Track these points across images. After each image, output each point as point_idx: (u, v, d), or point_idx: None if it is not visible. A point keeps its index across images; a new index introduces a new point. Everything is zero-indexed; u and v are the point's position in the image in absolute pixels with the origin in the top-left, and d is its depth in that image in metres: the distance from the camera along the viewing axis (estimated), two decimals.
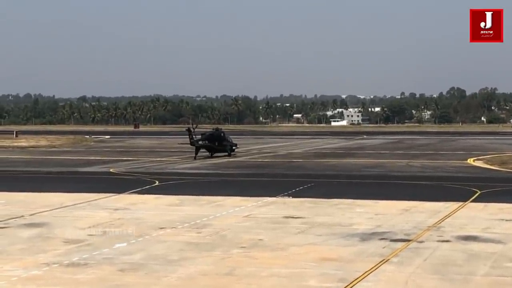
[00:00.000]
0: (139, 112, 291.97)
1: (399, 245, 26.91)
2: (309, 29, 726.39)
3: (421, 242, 27.53)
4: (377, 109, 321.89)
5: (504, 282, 21.80)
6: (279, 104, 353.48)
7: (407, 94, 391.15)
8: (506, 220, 32.63)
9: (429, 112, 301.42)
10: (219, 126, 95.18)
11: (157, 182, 50.02)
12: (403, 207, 36.71)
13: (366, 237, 28.51)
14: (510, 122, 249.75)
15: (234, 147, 79.94)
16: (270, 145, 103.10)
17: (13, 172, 58.97)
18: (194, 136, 76.93)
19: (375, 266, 23.50)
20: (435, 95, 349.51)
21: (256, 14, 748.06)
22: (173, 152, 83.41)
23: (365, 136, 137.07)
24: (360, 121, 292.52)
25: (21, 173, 58.23)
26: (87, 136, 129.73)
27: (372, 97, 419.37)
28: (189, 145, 77.08)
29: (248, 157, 77.36)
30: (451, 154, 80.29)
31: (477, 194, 41.83)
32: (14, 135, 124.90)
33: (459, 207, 36.71)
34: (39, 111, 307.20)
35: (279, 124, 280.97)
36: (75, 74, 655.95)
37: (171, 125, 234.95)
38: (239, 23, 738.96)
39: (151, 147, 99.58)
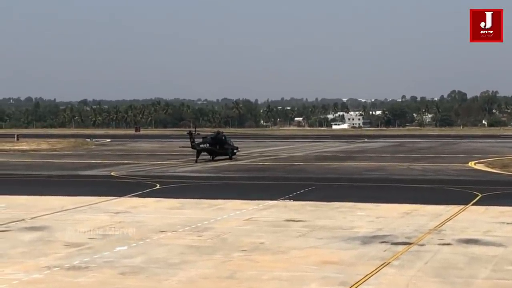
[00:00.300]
0: (140, 116, 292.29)
1: (400, 248, 26.89)
2: (310, 32, 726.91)
3: (422, 245, 27.51)
4: (378, 112, 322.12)
5: (505, 285, 21.77)
6: (280, 107, 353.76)
7: (408, 97, 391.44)
8: (507, 223, 32.59)
9: (430, 115, 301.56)
10: (220, 130, 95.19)
11: (158, 185, 50.02)
12: (404, 210, 36.70)
13: (367, 240, 28.49)
14: (511, 125, 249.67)
15: (235, 151, 79.94)
16: (271, 148, 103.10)
17: (14, 176, 58.97)
18: (195, 140, 76.94)
19: (376, 269, 23.49)
20: (436, 98, 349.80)
21: (257, 18, 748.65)
22: (174, 156, 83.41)
23: (366, 140, 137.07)
24: (361, 125, 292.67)
25: (22, 177, 58.24)
26: (88, 140, 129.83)
27: (373, 100, 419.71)
28: (190, 149, 77.09)
29: (249, 160, 77.36)
30: (452, 157, 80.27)
31: (478, 197, 41.81)
32: (15, 138, 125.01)
33: (460, 210, 36.69)
34: (40, 115, 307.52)
35: (280, 128, 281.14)
36: (76, 78, 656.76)
37: (172, 129, 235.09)
38: (240, 26, 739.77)
39: (152, 150, 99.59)
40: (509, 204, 38.35)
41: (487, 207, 37.76)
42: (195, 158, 74.62)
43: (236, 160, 76.24)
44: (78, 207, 38.44)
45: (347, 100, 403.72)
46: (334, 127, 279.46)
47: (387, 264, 24.20)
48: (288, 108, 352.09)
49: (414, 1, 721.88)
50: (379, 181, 53.58)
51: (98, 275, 22.93)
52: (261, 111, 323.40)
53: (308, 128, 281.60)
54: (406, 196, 43.14)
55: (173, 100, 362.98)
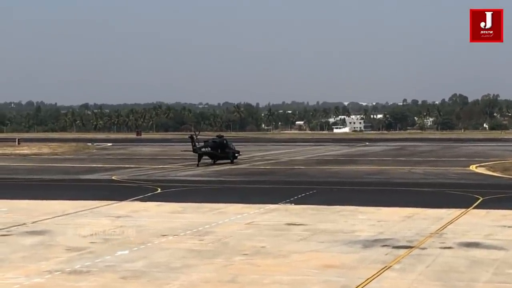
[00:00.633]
0: (141, 120, 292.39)
1: (402, 251, 26.89)
2: (312, 36, 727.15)
3: (424, 248, 27.50)
4: (379, 116, 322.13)
5: None
6: (281, 111, 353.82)
7: (409, 101, 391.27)
8: (508, 227, 32.59)
9: (431, 119, 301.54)
10: (222, 133, 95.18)
11: (159, 189, 50.03)
12: (406, 214, 36.69)
13: (368, 244, 28.49)
14: None
15: (236, 154, 79.95)
16: (272, 152, 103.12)
17: (16, 180, 59.00)
18: (196, 143, 76.96)
19: (377, 273, 23.49)
20: (437, 102, 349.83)
21: (258, 22, 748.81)
22: (176, 160, 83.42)
23: (367, 143, 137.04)
24: (362, 128, 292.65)
25: (23, 181, 58.27)
26: (89, 144, 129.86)
27: (374, 104, 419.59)
28: (192, 152, 77.10)
29: (251, 164, 77.37)
30: (454, 160, 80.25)
31: (479, 201, 41.79)
32: (17, 142, 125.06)
33: (461, 213, 36.68)
34: (41, 119, 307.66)
35: (281, 131, 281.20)
36: (77, 82, 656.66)
37: (173, 133, 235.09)
38: (241, 30, 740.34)
39: (153, 154, 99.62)
40: (510, 208, 38.33)
41: (488, 210, 37.76)
42: (197, 162, 74.63)
43: (238, 164, 76.24)
44: (79, 211, 38.46)
45: (348, 104, 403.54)
46: (335, 130, 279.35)
47: (388, 268, 24.20)
48: (289, 111, 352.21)
49: (415, 5, 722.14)
50: (380, 184, 53.57)
51: (100, 279, 22.94)
52: (262, 114, 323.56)
53: (309, 131, 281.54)
54: (408, 199, 43.12)
55: (174, 104, 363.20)
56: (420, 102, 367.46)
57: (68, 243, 28.96)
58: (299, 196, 44.87)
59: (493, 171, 64.69)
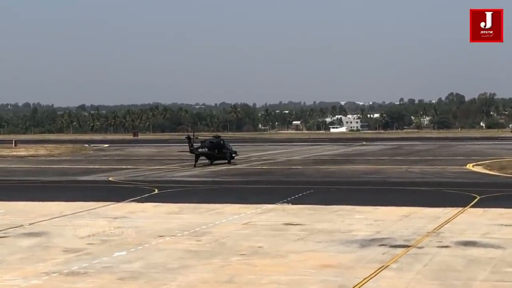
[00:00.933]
0: (138, 120, 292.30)
1: (399, 251, 26.91)
2: (308, 36, 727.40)
3: (421, 248, 27.52)
4: (376, 115, 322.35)
5: (504, 287, 21.80)
6: (278, 111, 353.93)
7: (406, 100, 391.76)
8: (506, 225, 32.62)
9: (428, 118, 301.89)
10: (219, 134, 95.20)
11: (156, 190, 50.02)
12: (403, 213, 36.72)
13: (365, 243, 28.51)
14: (509, 127, 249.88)
15: (233, 155, 79.96)
16: (269, 152, 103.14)
17: (12, 182, 58.96)
18: (193, 144, 76.97)
19: (374, 272, 23.50)
20: (434, 101, 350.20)
21: (254, 21, 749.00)
22: (173, 160, 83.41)
23: (364, 143, 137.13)
24: (359, 128, 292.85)
25: (20, 182, 58.23)
26: (86, 145, 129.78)
27: (371, 103, 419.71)
28: (189, 153, 77.11)
29: (248, 164, 77.39)
30: (450, 159, 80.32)
31: (476, 200, 41.84)
32: (13, 144, 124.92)
33: (458, 212, 36.72)
34: (38, 120, 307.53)
35: (278, 131, 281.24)
36: (73, 83, 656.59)
37: (170, 133, 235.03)
38: (238, 30, 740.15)
39: (150, 155, 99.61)
40: (507, 206, 38.39)
41: (485, 209, 37.79)
42: (194, 163, 74.64)
43: (235, 164, 76.26)
44: (76, 213, 38.44)
45: (345, 104, 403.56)
46: (332, 130, 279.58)
47: (385, 267, 24.21)
48: (286, 111, 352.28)
49: (413, 3, 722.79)
50: (377, 184, 53.60)
51: (97, 281, 22.93)
52: (259, 115, 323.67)
53: (306, 131, 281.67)
54: (405, 198, 43.15)
55: (171, 104, 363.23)
56: (416, 101, 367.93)
57: (66, 245, 28.94)
58: (296, 196, 44.88)
59: (490, 170, 64.77)
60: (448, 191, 47.19)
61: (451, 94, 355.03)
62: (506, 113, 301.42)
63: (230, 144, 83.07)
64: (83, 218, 36.80)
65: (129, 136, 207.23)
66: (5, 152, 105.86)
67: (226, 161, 77.71)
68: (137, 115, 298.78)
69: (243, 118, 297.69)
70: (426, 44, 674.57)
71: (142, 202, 43.52)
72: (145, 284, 22.48)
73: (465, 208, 38.40)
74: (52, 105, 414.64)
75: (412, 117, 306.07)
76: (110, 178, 60.93)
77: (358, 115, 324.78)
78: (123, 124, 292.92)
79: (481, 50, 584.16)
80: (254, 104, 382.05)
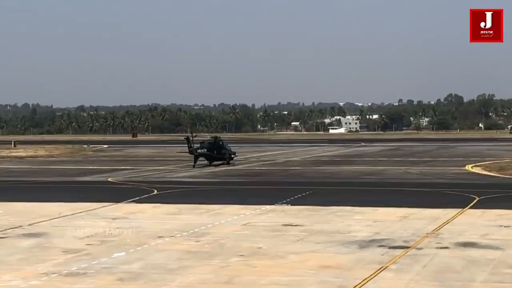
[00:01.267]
0: (137, 121, 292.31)
1: (398, 252, 26.93)
2: (307, 37, 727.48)
3: (420, 249, 27.54)
4: (375, 116, 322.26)
5: None
6: (277, 112, 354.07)
7: (405, 101, 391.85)
8: (505, 226, 32.65)
9: (427, 119, 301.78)
10: (218, 135, 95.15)
11: (155, 191, 50.01)
12: (402, 214, 36.73)
13: (365, 244, 28.52)
14: (508, 128, 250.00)
15: (232, 155, 79.94)
16: (268, 153, 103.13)
17: (12, 182, 58.93)
18: (192, 145, 76.97)
19: (374, 273, 23.51)
20: (432, 102, 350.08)
21: (254, 23, 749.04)
22: (172, 161, 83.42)
23: (363, 144, 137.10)
24: (358, 129, 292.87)
25: (19, 183, 58.21)
26: (85, 146, 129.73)
27: (370, 104, 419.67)
28: (188, 154, 77.11)
29: (247, 165, 77.39)
30: (449, 160, 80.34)
31: (475, 201, 41.85)
32: (12, 145, 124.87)
33: (457, 213, 36.73)
34: (37, 121, 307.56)
35: (277, 132, 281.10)
36: (72, 84, 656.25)
37: (169, 134, 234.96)
38: (237, 32, 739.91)
39: (150, 156, 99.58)
40: (506, 207, 38.40)
41: (484, 210, 37.81)
42: (193, 164, 74.65)
43: (234, 165, 76.26)
44: (75, 213, 38.44)
45: (344, 104, 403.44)
46: (331, 131, 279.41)
47: (385, 268, 24.23)
48: (285, 112, 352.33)
49: (412, 4, 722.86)
50: (376, 185, 53.61)
51: (96, 281, 22.94)
52: (258, 116, 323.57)
53: (305, 132, 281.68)
54: (404, 200, 43.16)
55: (170, 105, 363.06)
56: (415, 102, 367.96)
57: (65, 245, 28.95)
58: (296, 197, 44.89)
59: (489, 171, 64.78)
60: (447, 192, 47.20)
61: (450, 95, 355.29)
62: (505, 114, 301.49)
63: (229, 145, 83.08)
64: (83, 218, 36.81)
65: (128, 137, 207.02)
66: (4, 152, 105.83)
67: (225, 162, 77.72)
68: (136, 116, 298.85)
69: (242, 119, 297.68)
70: (425, 45, 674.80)
71: (142, 202, 43.53)
72: (145, 285, 22.49)
73: (464, 209, 38.42)
74: (51, 106, 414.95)
75: (411, 118, 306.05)
76: (109, 179, 60.92)
77: (357, 116, 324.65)
78: (122, 125, 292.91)
79: (480, 52, 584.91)
80: (253, 105, 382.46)
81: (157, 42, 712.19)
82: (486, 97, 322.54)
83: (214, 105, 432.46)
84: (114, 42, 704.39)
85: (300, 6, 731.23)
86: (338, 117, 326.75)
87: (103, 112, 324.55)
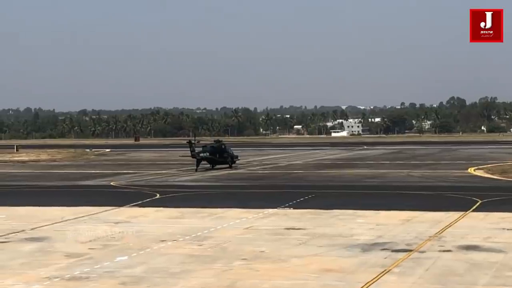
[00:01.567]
0: (139, 125, 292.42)
1: (401, 255, 26.91)
2: (309, 40, 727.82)
3: (423, 252, 27.52)
4: (377, 119, 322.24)
5: None
6: (279, 115, 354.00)
7: (407, 104, 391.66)
8: (507, 229, 32.62)
9: (429, 122, 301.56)
10: (220, 138, 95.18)
11: (158, 195, 50.02)
12: (404, 217, 36.71)
13: (367, 247, 28.51)
14: (510, 131, 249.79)
15: (235, 159, 79.97)
16: (271, 156, 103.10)
17: (14, 187, 58.98)
18: (195, 149, 77.00)
19: (376, 276, 23.50)
20: (435, 105, 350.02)
21: (255, 26, 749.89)
22: (174, 165, 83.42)
23: (365, 147, 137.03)
24: (360, 132, 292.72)
25: (21, 187, 58.24)
26: (88, 150, 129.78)
27: (372, 107, 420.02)
28: (190, 158, 77.14)
29: (249, 169, 77.39)
30: (452, 163, 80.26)
31: (478, 204, 41.81)
32: (15, 149, 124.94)
33: (460, 216, 36.70)
34: (39, 125, 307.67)
35: (279, 136, 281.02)
36: (75, 88, 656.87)
37: (171, 138, 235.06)
38: (238, 35, 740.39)
39: (152, 160, 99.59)
40: (509, 210, 38.36)
41: (487, 213, 37.77)
42: (195, 167, 74.66)
43: (236, 169, 76.26)
44: (78, 217, 38.45)
45: (346, 108, 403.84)
46: (333, 134, 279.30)
47: (387, 272, 24.21)
48: (287, 116, 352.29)
49: (413, 8, 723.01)
50: (378, 188, 53.59)
51: (99, 286, 22.94)
52: (260, 119, 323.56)
53: (308, 136, 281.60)
54: (406, 203, 43.15)
55: (172, 109, 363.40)
56: (418, 105, 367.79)
57: (67, 249, 28.96)
58: (298, 200, 44.87)
59: (491, 174, 64.71)
60: (449, 195, 47.16)
61: (452, 98, 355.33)
62: (507, 117, 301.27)
63: (231, 148, 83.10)
64: (85, 223, 36.81)
65: (131, 141, 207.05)
66: (7, 157, 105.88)
67: (227, 165, 77.74)
68: (139, 120, 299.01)
69: (244, 122, 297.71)
70: (427, 48, 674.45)
71: (144, 206, 43.54)
72: None
73: (467, 212, 38.39)
74: (54, 110, 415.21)
75: (413, 121, 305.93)
76: (112, 183, 60.94)
77: (359, 119, 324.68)
78: (125, 129, 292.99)
79: (482, 55, 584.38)
80: (255, 109, 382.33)
81: (159, 46, 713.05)
82: (489, 100, 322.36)
83: (216, 108, 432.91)
84: (116, 46, 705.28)
85: (302, 10, 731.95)
86: (340, 120, 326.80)
87: (106, 116, 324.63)
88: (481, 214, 37.46)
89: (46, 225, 35.73)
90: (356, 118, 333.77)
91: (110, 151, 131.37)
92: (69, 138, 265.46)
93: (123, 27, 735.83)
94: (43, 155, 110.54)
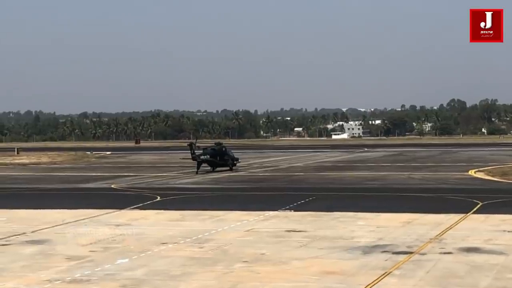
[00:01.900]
0: (140, 128, 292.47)
1: (402, 257, 26.90)
2: (309, 42, 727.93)
3: (423, 254, 27.52)
4: (378, 121, 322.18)
5: None
6: (279, 118, 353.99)
7: (407, 106, 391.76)
8: (508, 232, 32.61)
9: (429, 124, 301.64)
10: (220, 141, 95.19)
11: (158, 197, 50.02)
12: (405, 219, 36.70)
13: (368, 250, 28.50)
14: (511, 133, 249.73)
15: (235, 162, 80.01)
16: (271, 159, 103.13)
17: (15, 189, 58.98)
18: (195, 151, 77.01)
19: (377, 279, 23.49)
20: (435, 107, 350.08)
21: (256, 29, 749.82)
22: (175, 167, 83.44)
23: (366, 149, 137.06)
24: (361, 134, 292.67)
25: (22, 190, 58.25)
26: (88, 152, 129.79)
27: (372, 109, 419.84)
28: (191, 160, 77.13)
29: (250, 171, 77.40)
30: (452, 166, 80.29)
31: (478, 206, 41.81)
32: (16, 152, 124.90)
33: (460, 219, 36.69)
34: (40, 128, 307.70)
35: (280, 138, 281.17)
36: (75, 91, 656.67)
37: (172, 140, 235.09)
38: (239, 37, 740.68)
39: (153, 162, 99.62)
40: (510, 212, 38.34)
41: (488, 215, 37.77)
42: (196, 170, 74.67)
43: (237, 171, 76.29)
44: (79, 220, 38.46)
45: (346, 110, 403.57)
46: (334, 137, 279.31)
47: (388, 274, 24.21)
48: (288, 118, 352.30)
49: (413, 10, 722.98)
50: (379, 190, 53.57)
51: None
52: (261, 122, 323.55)
53: (308, 138, 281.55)
54: (407, 205, 43.14)
55: (172, 111, 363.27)
56: (418, 108, 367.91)
57: (68, 252, 28.96)
58: (299, 202, 44.87)
59: (492, 176, 64.72)
60: (450, 197, 47.17)
61: (453, 100, 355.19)
62: (508, 119, 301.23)
63: (232, 151, 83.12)
64: (86, 225, 36.81)
65: (131, 144, 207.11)
66: (8, 160, 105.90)
67: (228, 168, 77.76)
68: (139, 123, 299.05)
69: (244, 125, 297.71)
70: (427, 50, 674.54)
71: (145, 209, 43.55)
72: None
73: (468, 214, 38.38)
74: (54, 112, 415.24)
75: (413, 123, 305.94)
76: (112, 186, 60.96)
77: (360, 122, 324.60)
78: (125, 132, 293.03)
79: (483, 57, 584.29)
80: (256, 111, 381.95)
81: (160, 48, 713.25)
82: (489, 102, 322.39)
83: (217, 111, 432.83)
84: (116, 49, 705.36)
85: (303, 12, 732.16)
86: (340, 122, 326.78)
87: (106, 119, 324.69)
88: (482, 216, 37.46)
89: (47, 228, 35.73)
90: (357, 120, 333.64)
91: (111, 153, 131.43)
92: (69, 141, 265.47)
93: (123, 29, 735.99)
94: (44, 158, 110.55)
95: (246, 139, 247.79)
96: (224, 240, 31.16)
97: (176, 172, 76.96)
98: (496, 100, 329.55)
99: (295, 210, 41.11)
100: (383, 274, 24.16)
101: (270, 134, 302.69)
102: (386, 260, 26.42)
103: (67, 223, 37.55)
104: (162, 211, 42.24)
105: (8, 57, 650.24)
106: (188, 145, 79.36)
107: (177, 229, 34.80)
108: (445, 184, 57.84)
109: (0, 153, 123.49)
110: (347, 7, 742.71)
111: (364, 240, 30.68)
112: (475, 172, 69.19)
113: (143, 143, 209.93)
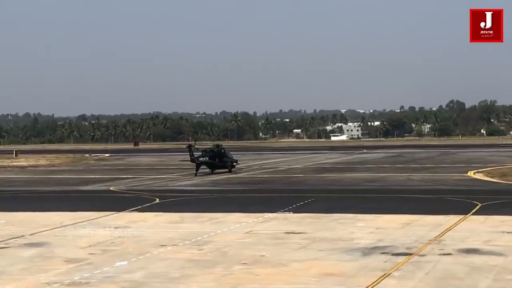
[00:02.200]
0: (139, 130, 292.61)
1: (401, 259, 26.87)
2: (308, 44, 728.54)
3: (423, 255, 27.49)
4: (377, 123, 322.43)
5: None
6: (278, 119, 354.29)
7: (406, 107, 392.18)
8: (507, 233, 32.58)
9: (428, 126, 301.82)
10: (219, 143, 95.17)
11: (157, 199, 49.97)
12: (404, 221, 36.67)
13: (367, 251, 28.47)
14: (510, 134, 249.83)
15: (234, 163, 79.98)
16: (270, 160, 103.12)
17: (13, 192, 58.93)
18: (194, 153, 76.98)
19: (377, 280, 23.46)
20: (434, 108, 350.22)
21: (254, 30, 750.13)
22: (174, 169, 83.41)
23: (365, 150, 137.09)
24: (360, 136, 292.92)
25: (21, 193, 58.19)
26: (87, 155, 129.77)
27: (371, 111, 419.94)
28: (190, 162, 77.11)
29: (249, 173, 77.37)
30: (451, 167, 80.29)
31: (478, 207, 41.78)
32: (14, 154, 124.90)
33: (460, 220, 36.67)
34: (38, 130, 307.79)
35: (279, 140, 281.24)
36: (74, 93, 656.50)
37: (170, 142, 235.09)
38: (238, 39, 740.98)
39: (151, 164, 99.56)
40: (509, 213, 38.33)
41: (487, 216, 37.74)
42: (195, 172, 74.64)
43: (236, 173, 76.24)
44: (77, 223, 38.39)
45: (345, 112, 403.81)
46: (333, 138, 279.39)
47: (388, 275, 24.17)
48: (287, 120, 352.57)
49: (413, 11, 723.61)
50: (378, 192, 53.54)
51: None
52: (260, 123, 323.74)
53: (307, 140, 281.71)
54: (406, 206, 43.11)
55: (171, 113, 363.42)
56: (417, 109, 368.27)
57: (67, 255, 28.90)
58: (298, 204, 44.84)
59: (491, 177, 64.72)
60: (449, 199, 47.15)
61: (452, 101, 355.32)
62: (507, 120, 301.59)
63: (230, 152, 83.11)
64: (84, 228, 36.74)
65: (130, 146, 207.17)
66: (6, 162, 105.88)
67: (227, 170, 77.73)
68: (138, 125, 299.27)
69: (243, 126, 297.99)
70: (426, 51, 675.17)
71: (144, 211, 43.49)
72: None
73: (467, 215, 38.35)
74: (53, 115, 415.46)
75: (412, 124, 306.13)
76: (111, 188, 60.90)
77: (359, 123, 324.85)
78: (124, 134, 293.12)
79: (482, 58, 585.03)
80: (255, 113, 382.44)
81: (158, 50, 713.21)
82: (488, 103, 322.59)
83: (216, 113, 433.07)
84: (115, 51, 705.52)
85: (301, 13, 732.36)
86: (339, 124, 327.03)
87: (105, 121, 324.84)
88: (481, 218, 37.43)
89: (45, 231, 35.67)
90: (356, 121, 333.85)
91: (110, 156, 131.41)
92: (68, 143, 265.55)
93: (122, 31, 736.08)
94: (42, 160, 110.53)
95: (245, 141, 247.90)
96: (223, 242, 31.12)
97: (175, 174, 76.91)
98: (495, 101, 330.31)
99: (294, 212, 41.08)
100: (383, 275, 24.13)
101: (269, 136, 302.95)
102: (385, 262, 26.39)
103: (65, 225, 37.49)
104: (161, 213, 42.18)
105: (6, 58, 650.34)
106: (186, 147, 79.31)
107: (176, 231, 34.76)
108: (444, 185, 57.83)
109: None
110: (346, 9, 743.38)
111: (364, 242, 30.65)
112: (474, 173, 69.18)
113: (142, 145, 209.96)
